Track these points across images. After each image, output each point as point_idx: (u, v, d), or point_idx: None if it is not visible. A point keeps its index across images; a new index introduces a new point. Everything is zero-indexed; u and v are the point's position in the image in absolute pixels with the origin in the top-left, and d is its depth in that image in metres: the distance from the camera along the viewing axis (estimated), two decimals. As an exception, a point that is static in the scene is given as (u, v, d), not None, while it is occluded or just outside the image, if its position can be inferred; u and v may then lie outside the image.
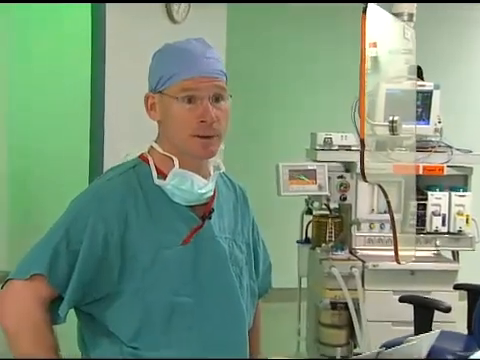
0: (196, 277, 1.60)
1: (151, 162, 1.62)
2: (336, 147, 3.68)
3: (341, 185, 3.60)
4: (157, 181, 1.60)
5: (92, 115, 3.48)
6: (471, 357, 1.67)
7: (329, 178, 3.54)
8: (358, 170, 3.53)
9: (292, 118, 5.28)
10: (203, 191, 1.64)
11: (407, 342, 1.75)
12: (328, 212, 3.72)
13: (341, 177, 3.61)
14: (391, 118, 2.68)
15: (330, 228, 3.61)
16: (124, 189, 1.59)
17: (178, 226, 1.61)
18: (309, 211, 3.85)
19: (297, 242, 3.90)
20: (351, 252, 3.61)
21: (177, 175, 1.61)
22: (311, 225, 3.80)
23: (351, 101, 3.61)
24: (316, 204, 3.78)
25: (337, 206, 3.80)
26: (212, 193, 1.68)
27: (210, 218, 1.65)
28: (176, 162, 1.60)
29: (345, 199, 3.61)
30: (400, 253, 3.29)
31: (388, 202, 2.55)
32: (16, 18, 5.01)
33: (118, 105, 3.46)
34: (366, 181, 2.51)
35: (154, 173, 1.61)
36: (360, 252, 3.62)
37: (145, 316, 1.55)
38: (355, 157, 3.63)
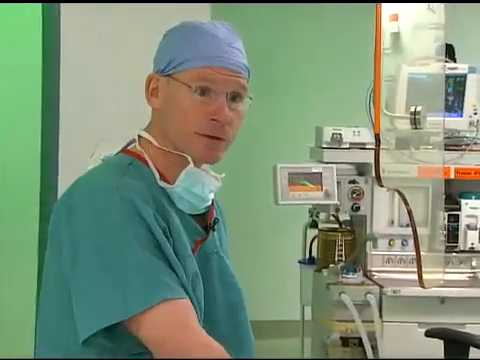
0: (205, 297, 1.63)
1: (149, 160, 1.61)
2: (347, 145, 3.61)
3: (353, 192, 3.54)
4: (161, 183, 1.60)
5: (44, 115, 3.71)
6: None
7: (338, 183, 3.48)
8: (374, 173, 3.50)
9: (293, 110, 5.31)
10: (211, 197, 1.67)
11: None
12: (337, 225, 3.69)
13: (353, 182, 3.56)
14: (413, 109, 2.58)
15: (340, 245, 3.55)
16: (146, 187, 1.56)
17: (183, 237, 1.61)
18: (314, 224, 3.81)
19: (299, 262, 3.85)
20: (366, 275, 3.56)
21: (190, 175, 1.61)
22: (316, 241, 3.74)
23: (365, 88, 3.55)
24: (322, 215, 3.74)
25: (348, 218, 3.74)
26: (211, 201, 1.70)
27: (214, 229, 1.69)
28: (190, 158, 1.60)
29: (358, 209, 3.54)
30: (425, 276, 3.22)
31: (409, 211, 2.43)
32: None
33: (74, 103, 3.66)
34: (381, 186, 2.39)
35: (156, 173, 1.60)
36: (377, 275, 3.57)
37: None
38: (370, 157, 3.55)
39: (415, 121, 2.64)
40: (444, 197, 3.13)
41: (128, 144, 1.69)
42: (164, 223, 1.55)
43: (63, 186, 3.52)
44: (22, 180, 4.20)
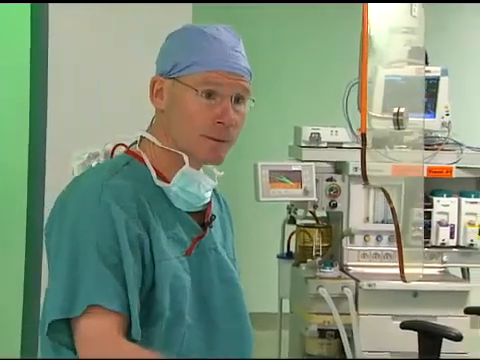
0: (200, 294, 1.65)
1: (146, 160, 1.64)
2: (325, 144, 3.64)
3: (331, 189, 3.57)
4: (158, 182, 1.63)
5: (32, 115, 3.69)
6: None
7: (317, 181, 3.50)
8: (351, 171, 3.58)
9: (272, 110, 5.30)
10: (207, 195, 1.69)
11: None
12: (315, 221, 3.70)
13: (331, 180, 3.58)
14: (396, 110, 2.63)
15: (317, 240, 3.57)
16: (132, 189, 1.59)
17: (180, 235, 1.64)
18: (292, 220, 3.82)
19: (277, 257, 3.87)
20: (342, 269, 3.57)
21: (186, 175, 1.63)
22: (294, 237, 3.75)
23: (342, 89, 3.59)
24: (300, 212, 3.75)
25: (325, 214, 3.77)
26: (209, 199, 1.72)
27: (211, 226, 1.70)
28: (186, 158, 1.63)
29: (335, 206, 3.57)
30: (398, 271, 3.26)
31: (392, 209, 2.48)
32: None
33: (62, 104, 3.65)
34: (367, 184, 2.44)
35: (153, 173, 1.63)
36: (353, 269, 3.60)
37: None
38: (347, 156, 3.62)
39: (398, 121, 2.67)
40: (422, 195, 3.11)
41: (132, 144, 1.72)
42: (142, 229, 1.56)
43: (50, 186, 3.56)
44: (9, 180, 4.16)
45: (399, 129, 2.66)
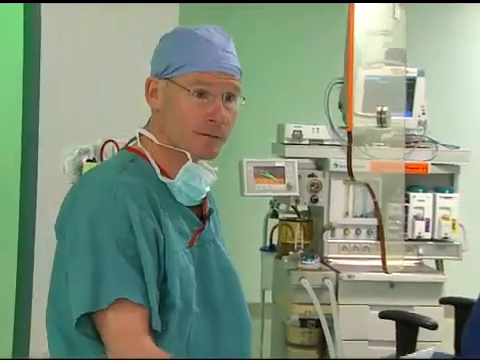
0: (202, 284, 1.68)
1: (149, 156, 1.67)
2: (306, 141, 3.72)
3: (312, 185, 3.64)
4: (162, 178, 1.66)
5: (25, 115, 3.69)
6: None
7: (299, 177, 3.58)
8: (331, 168, 3.66)
9: (256, 108, 5.23)
10: (207, 189, 1.73)
11: None
12: (296, 216, 3.77)
13: (312, 176, 3.65)
14: (380, 109, 2.72)
15: (299, 234, 3.64)
16: (142, 185, 1.62)
17: (183, 227, 1.68)
18: (274, 214, 3.88)
19: (260, 250, 3.93)
20: (323, 261, 3.65)
21: (189, 170, 1.67)
22: (277, 230, 3.82)
23: (323, 88, 3.66)
24: (283, 206, 3.81)
25: (306, 209, 3.84)
26: (205, 194, 1.76)
27: (209, 219, 1.75)
28: (189, 155, 1.66)
29: (316, 201, 3.65)
30: (376, 263, 3.34)
31: (376, 203, 2.58)
32: None
33: (54, 103, 3.67)
34: (353, 180, 2.54)
35: (157, 169, 1.67)
36: (333, 261, 3.67)
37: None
38: (328, 153, 3.70)
39: (381, 120, 2.74)
40: (398, 191, 3.19)
41: (130, 141, 1.75)
42: (155, 223, 1.60)
43: (43, 184, 3.56)
44: (2, 180, 4.07)
45: (382, 127, 2.73)
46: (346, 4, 3.14)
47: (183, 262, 1.64)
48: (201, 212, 1.74)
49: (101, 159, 2.87)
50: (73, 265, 1.59)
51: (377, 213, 2.58)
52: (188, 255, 1.67)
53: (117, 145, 2.74)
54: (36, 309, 3.49)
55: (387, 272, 2.49)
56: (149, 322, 1.55)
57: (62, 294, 1.63)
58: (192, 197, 1.70)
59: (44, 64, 3.64)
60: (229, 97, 1.67)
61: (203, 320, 1.67)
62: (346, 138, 3.69)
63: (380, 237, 2.43)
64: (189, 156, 1.66)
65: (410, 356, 1.62)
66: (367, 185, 2.67)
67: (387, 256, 2.57)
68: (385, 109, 2.74)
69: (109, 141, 2.86)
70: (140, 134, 1.71)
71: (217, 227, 1.82)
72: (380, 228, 2.48)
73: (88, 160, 2.87)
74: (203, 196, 1.74)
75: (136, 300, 1.53)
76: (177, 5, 3.98)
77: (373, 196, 2.63)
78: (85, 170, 2.76)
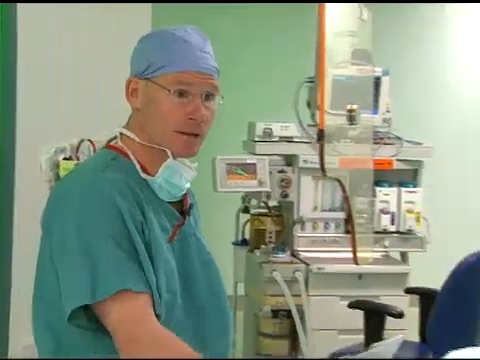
0: (184, 277, 1.71)
1: (130, 154, 1.71)
2: (276, 139, 3.79)
3: (282, 180, 3.72)
4: (144, 175, 1.69)
5: (2, 114, 3.60)
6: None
7: (270, 173, 3.65)
8: (300, 164, 3.74)
9: (227, 107, 5.31)
10: (187, 186, 1.76)
11: (371, 348, 1.85)
12: (267, 210, 3.85)
13: (282, 172, 3.73)
14: (349, 107, 2.81)
15: (270, 228, 3.72)
16: (126, 181, 1.64)
17: (164, 223, 1.71)
18: (246, 209, 3.95)
19: (233, 244, 4.00)
20: (293, 254, 3.73)
21: (169, 167, 1.70)
22: (249, 225, 3.91)
23: (292, 87, 3.74)
24: (254, 202, 3.89)
25: (276, 204, 3.92)
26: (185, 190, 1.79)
27: (190, 214, 1.78)
28: (169, 153, 1.69)
29: (287, 196, 3.73)
30: (344, 255, 3.43)
31: (347, 197, 2.67)
32: None
33: (32, 103, 3.62)
34: (325, 175, 2.63)
35: (138, 166, 1.70)
36: (303, 254, 3.75)
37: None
38: (297, 149, 3.79)
39: (351, 117, 2.81)
40: (366, 186, 3.26)
41: (111, 140, 1.78)
42: (141, 216, 1.63)
43: (21, 184, 3.54)
44: None
45: (352, 124, 2.81)
46: (315, 4, 3.23)
47: (167, 255, 1.68)
48: (181, 207, 1.78)
49: (77, 158, 2.92)
50: (65, 261, 1.60)
51: (347, 207, 2.67)
52: (169, 249, 1.70)
53: (93, 144, 2.79)
54: (15, 303, 3.51)
55: (357, 264, 2.59)
56: (153, 306, 1.59)
57: (49, 287, 1.65)
58: (173, 193, 1.74)
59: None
60: (208, 96, 1.70)
61: (185, 310, 1.70)
62: (315, 135, 3.80)
63: (351, 230, 2.53)
64: (169, 154, 1.69)
65: (382, 343, 1.70)
66: (338, 180, 2.75)
67: (349, 248, 2.64)
68: (355, 107, 2.81)
69: (85, 140, 2.92)
70: (121, 133, 1.75)
71: (197, 221, 1.85)
72: (351, 221, 2.57)
73: (64, 158, 2.91)
74: (183, 192, 1.77)
75: (139, 288, 1.56)
76: (149, 5, 4.04)
77: (344, 191, 2.71)
78: (61, 168, 2.81)
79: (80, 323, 1.60)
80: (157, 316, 1.59)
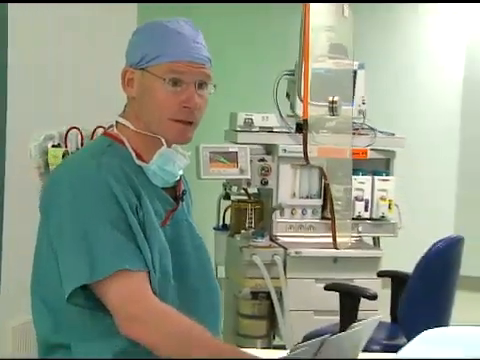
0: (176, 260, 1.78)
1: (126, 141, 1.77)
2: (257, 128, 3.89)
3: (262, 169, 3.82)
4: (139, 162, 1.75)
5: None
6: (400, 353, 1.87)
7: (250, 161, 3.75)
8: (280, 153, 3.84)
9: (210, 98, 5.37)
10: (180, 172, 1.83)
11: (350, 328, 1.97)
12: (247, 197, 3.95)
13: (262, 160, 3.84)
14: (331, 98, 2.90)
15: (250, 214, 3.82)
16: (121, 166, 1.70)
17: (158, 208, 1.77)
18: (227, 196, 4.04)
19: (214, 229, 4.08)
20: (272, 239, 3.83)
21: (163, 155, 1.77)
22: (229, 211, 4.00)
23: (272, 79, 3.85)
24: (234, 188, 3.99)
25: (256, 191, 4.03)
26: (179, 176, 1.86)
27: (183, 200, 1.85)
28: (163, 140, 1.76)
29: (266, 183, 3.84)
30: (320, 240, 3.54)
31: (327, 185, 2.77)
32: None
33: (23, 102, 3.64)
34: (308, 163, 2.72)
35: (133, 153, 1.76)
36: (281, 239, 3.85)
37: None
38: (277, 139, 3.89)
39: (332, 109, 2.89)
40: (341, 174, 3.39)
41: (108, 128, 1.84)
42: (135, 199, 1.68)
43: (10, 182, 3.56)
44: None
45: (334, 115, 2.90)
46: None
47: (162, 237, 1.74)
48: (175, 193, 1.83)
49: (66, 145, 3.01)
50: (64, 245, 1.65)
51: (328, 194, 2.76)
52: (162, 233, 1.75)
53: (81, 132, 2.87)
54: (4, 286, 3.56)
55: (337, 248, 2.69)
56: (150, 284, 1.66)
57: (47, 270, 1.71)
58: (166, 180, 1.79)
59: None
60: (201, 84, 1.76)
61: (177, 291, 1.76)
62: (293, 126, 3.93)
63: (331, 216, 2.63)
64: (164, 141, 1.75)
65: (361, 323, 1.79)
66: (320, 169, 2.84)
67: (326, 233, 2.72)
68: (336, 99, 2.90)
69: (73, 128, 3.00)
70: (117, 121, 1.80)
71: (189, 207, 1.92)
72: (331, 208, 2.68)
73: (53, 145, 2.99)
74: (177, 179, 1.83)
75: (136, 267, 1.63)
76: (135, 5, 4.10)
77: (325, 178, 2.81)
78: (50, 155, 2.88)
79: (78, 302, 1.66)
80: (154, 294, 1.66)
